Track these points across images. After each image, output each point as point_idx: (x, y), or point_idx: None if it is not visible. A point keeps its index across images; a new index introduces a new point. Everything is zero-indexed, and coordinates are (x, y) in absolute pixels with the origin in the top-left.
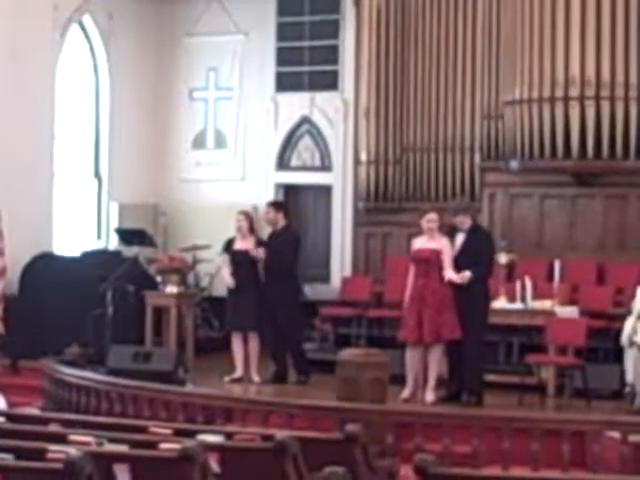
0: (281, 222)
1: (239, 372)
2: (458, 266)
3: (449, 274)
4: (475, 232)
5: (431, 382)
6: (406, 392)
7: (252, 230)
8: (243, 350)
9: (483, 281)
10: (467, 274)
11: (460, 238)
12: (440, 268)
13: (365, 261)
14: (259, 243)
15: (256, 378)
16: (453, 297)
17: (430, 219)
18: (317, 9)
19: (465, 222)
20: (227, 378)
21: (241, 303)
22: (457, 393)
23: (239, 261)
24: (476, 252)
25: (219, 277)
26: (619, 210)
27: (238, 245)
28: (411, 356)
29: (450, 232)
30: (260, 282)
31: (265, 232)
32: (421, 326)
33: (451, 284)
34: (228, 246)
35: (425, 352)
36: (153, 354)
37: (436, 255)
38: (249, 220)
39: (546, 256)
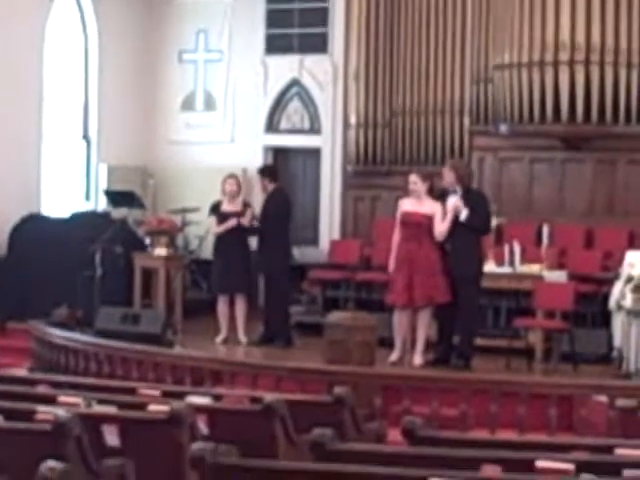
0: (269, 187)
1: (224, 333)
2: (452, 230)
3: (454, 201)
4: (468, 194)
5: (419, 345)
6: (394, 355)
7: (238, 193)
8: (228, 312)
9: (477, 238)
10: (465, 211)
11: (452, 201)
12: (431, 233)
13: (354, 224)
14: (245, 205)
15: (244, 339)
16: (445, 261)
17: (410, 180)
18: None
19: (447, 176)
20: (218, 339)
21: (229, 265)
22: (446, 357)
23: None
24: (471, 212)
25: (208, 240)
26: (608, 175)
27: (227, 207)
28: (399, 319)
29: (442, 195)
30: (247, 245)
31: (257, 198)
32: (411, 289)
33: (443, 250)
34: (215, 209)
35: (413, 315)
36: (141, 316)
37: (428, 220)
38: (238, 184)
39: (535, 220)
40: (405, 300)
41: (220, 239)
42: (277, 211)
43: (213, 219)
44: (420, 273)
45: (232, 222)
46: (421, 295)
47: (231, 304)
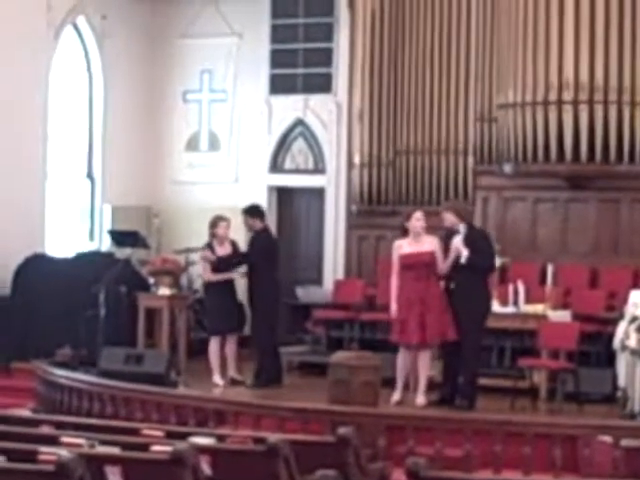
0: (257, 225)
1: (217, 371)
2: (456, 269)
3: (456, 242)
4: (470, 233)
5: (422, 386)
6: (396, 395)
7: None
8: (220, 352)
9: (482, 276)
10: (465, 252)
11: (456, 241)
12: (435, 270)
13: (358, 264)
14: (234, 246)
15: (237, 376)
16: (451, 300)
17: (419, 217)
18: (311, 12)
19: (447, 218)
20: (216, 379)
21: (221, 307)
22: (450, 397)
23: (222, 268)
24: (472, 250)
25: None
26: (612, 214)
27: (220, 251)
28: (403, 359)
29: (446, 235)
30: (234, 286)
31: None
32: (423, 328)
33: (447, 289)
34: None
35: (415, 355)
36: (145, 356)
37: (433, 258)
38: (229, 226)
39: (539, 260)
40: (419, 338)
41: (210, 283)
42: (267, 249)
43: (205, 265)
44: (432, 311)
45: (233, 275)
46: (433, 333)
47: (222, 345)
